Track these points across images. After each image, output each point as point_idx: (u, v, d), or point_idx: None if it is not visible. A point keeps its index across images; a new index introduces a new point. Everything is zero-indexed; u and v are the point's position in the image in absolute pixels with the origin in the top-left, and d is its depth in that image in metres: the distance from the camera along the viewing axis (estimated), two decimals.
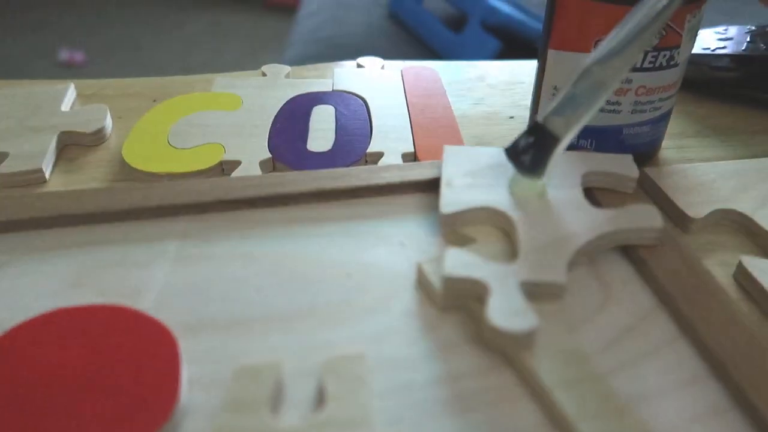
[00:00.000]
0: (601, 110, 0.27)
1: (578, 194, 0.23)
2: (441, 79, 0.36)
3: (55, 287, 0.21)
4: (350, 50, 0.89)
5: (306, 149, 0.29)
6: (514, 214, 0.22)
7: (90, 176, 0.28)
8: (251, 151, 0.28)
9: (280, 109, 0.32)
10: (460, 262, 0.20)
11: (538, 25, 0.80)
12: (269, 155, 0.28)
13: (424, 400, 0.17)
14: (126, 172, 0.28)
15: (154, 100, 0.34)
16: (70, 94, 0.34)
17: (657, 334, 0.19)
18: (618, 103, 0.26)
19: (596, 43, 0.25)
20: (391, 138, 0.30)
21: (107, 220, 0.24)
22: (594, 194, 0.25)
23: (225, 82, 0.35)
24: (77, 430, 0.15)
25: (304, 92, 0.34)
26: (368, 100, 0.33)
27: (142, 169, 0.27)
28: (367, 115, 0.32)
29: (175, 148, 0.29)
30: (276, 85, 0.35)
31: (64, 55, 1.89)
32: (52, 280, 0.21)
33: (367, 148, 0.29)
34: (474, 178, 0.24)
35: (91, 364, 0.17)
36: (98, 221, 0.23)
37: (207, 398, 0.17)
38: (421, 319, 0.20)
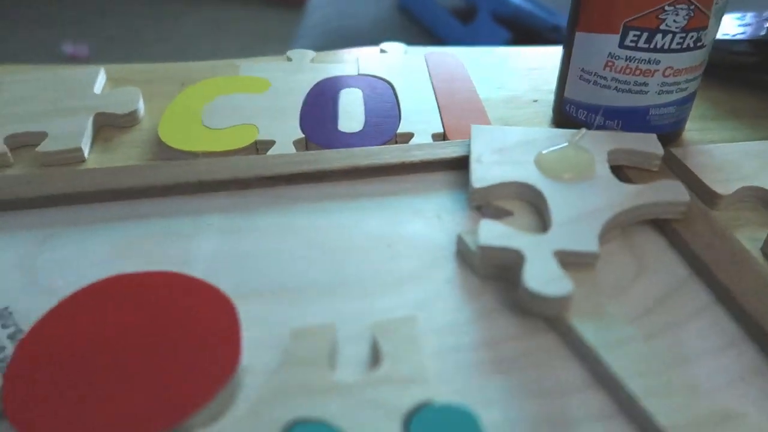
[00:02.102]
0: (629, 91, 0.27)
1: (606, 170, 0.24)
2: (464, 64, 0.36)
3: (104, 257, 0.22)
4: (359, 42, 0.90)
5: (337, 130, 0.29)
6: (544, 189, 0.23)
7: (126, 155, 0.29)
8: (284, 132, 0.29)
9: (309, 92, 0.33)
10: (495, 233, 0.20)
11: (547, 16, 0.80)
12: (302, 135, 0.29)
13: (471, 361, 0.18)
14: (161, 152, 0.29)
15: (182, 84, 0.35)
16: (100, 78, 0.34)
17: (693, 301, 0.20)
18: (645, 84, 0.27)
19: (624, 25, 0.26)
20: (419, 119, 0.30)
21: (151, 195, 0.24)
22: (621, 171, 0.25)
23: (251, 67, 0.35)
24: (147, 387, 0.16)
25: (330, 76, 0.34)
26: (394, 84, 0.33)
27: (179, 148, 0.28)
28: (394, 97, 0.32)
29: (210, 128, 0.29)
30: (302, 69, 0.35)
31: (67, 48, 1.89)
32: (100, 250, 0.22)
33: (397, 129, 0.29)
34: (502, 155, 0.25)
35: (153, 326, 0.18)
36: (142, 196, 0.24)
37: (264, 359, 0.18)
38: (462, 288, 0.20)
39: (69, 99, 0.32)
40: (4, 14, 1.81)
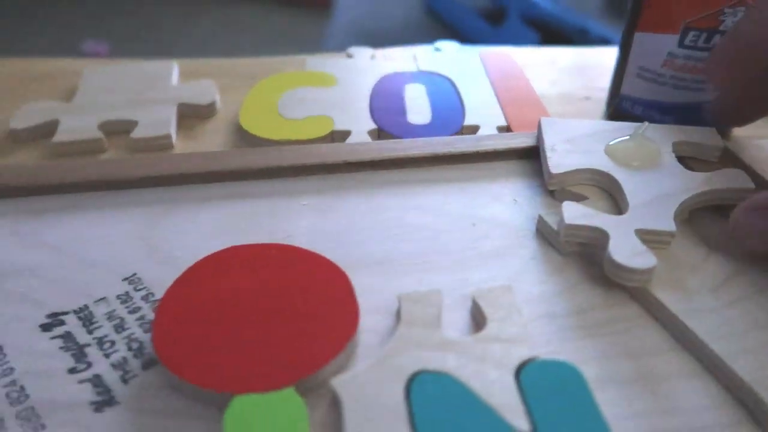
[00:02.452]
0: (686, 88, 0.29)
1: (672, 159, 0.26)
2: (517, 62, 0.38)
3: (212, 232, 0.24)
4: (387, 43, 0.92)
5: (407, 122, 0.31)
6: (617, 175, 0.24)
7: (209, 143, 0.31)
8: (358, 123, 0.31)
9: (374, 86, 0.35)
10: (578, 213, 0.22)
11: (575, 19, 0.82)
12: (375, 126, 0.31)
13: (563, 326, 0.20)
14: (241, 141, 0.31)
15: (253, 78, 0.37)
16: (175, 71, 0.36)
17: (764, 276, 0.21)
18: (702, 81, 0.29)
19: (684, 26, 0.28)
20: (482, 113, 0.32)
21: (245, 178, 0.26)
22: (684, 162, 0.27)
23: (316, 63, 0.37)
24: (281, 341, 0.18)
25: (393, 72, 0.36)
26: (453, 80, 0.35)
27: (262, 137, 0.30)
28: (455, 92, 0.34)
29: (287, 118, 0.31)
30: (364, 65, 0.37)
31: (87, 47, 1.92)
32: (208, 225, 0.24)
33: (463, 122, 0.31)
34: (573, 144, 0.26)
35: (277, 290, 0.20)
36: (238, 178, 0.26)
37: (374, 321, 0.20)
38: (546, 263, 0.22)
39: (151, 90, 0.34)
40: (27, 13, 1.84)
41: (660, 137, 0.27)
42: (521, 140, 0.28)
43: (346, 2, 1.05)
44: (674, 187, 0.24)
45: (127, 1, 2.02)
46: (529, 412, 0.16)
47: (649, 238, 0.22)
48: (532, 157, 0.28)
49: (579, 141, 0.27)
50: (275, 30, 1.88)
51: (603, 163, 0.25)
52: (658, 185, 0.24)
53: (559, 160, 0.25)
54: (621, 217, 0.22)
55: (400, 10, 0.96)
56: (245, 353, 0.18)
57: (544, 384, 0.17)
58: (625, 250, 0.21)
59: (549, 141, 0.27)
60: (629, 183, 0.24)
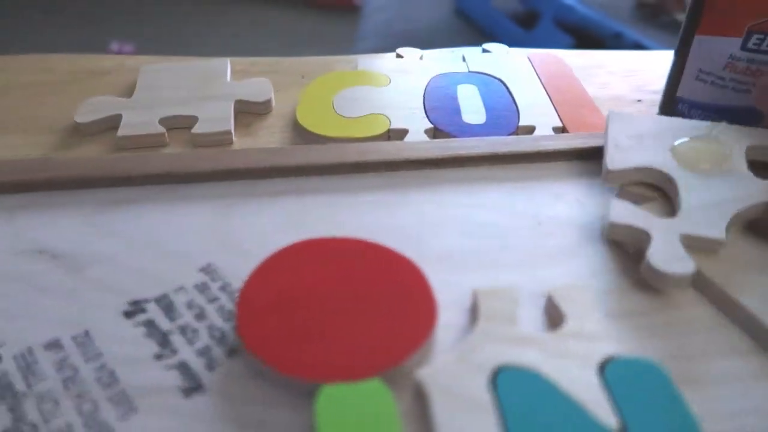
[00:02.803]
0: (746, 91, 0.29)
1: (743, 164, 0.25)
2: (568, 65, 0.38)
3: (282, 225, 0.24)
4: (420, 45, 0.92)
5: (463, 121, 0.32)
6: (677, 176, 0.24)
7: (266, 139, 0.32)
8: (414, 122, 0.31)
9: (426, 86, 0.35)
10: (625, 212, 0.22)
11: (610, 23, 0.82)
12: (431, 125, 0.31)
13: (637, 326, 0.20)
14: (297, 137, 0.31)
15: (302, 76, 0.38)
16: (228, 69, 0.37)
17: None
18: (753, 84, 0.28)
19: (748, 29, 0.27)
20: (536, 114, 0.32)
21: (308, 174, 0.27)
22: (755, 168, 0.27)
23: (367, 63, 0.38)
24: (363, 333, 0.18)
25: (444, 72, 0.36)
26: (505, 81, 0.35)
27: (319, 133, 0.30)
28: (508, 93, 0.34)
29: (343, 116, 0.32)
30: (415, 66, 0.37)
31: (114, 47, 1.95)
32: (277, 219, 0.24)
33: (518, 122, 0.31)
34: (638, 141, 0.26)
35: (352, 285, 0.20)
36: (302, 174, 0.26)
37: (448, 317, 0.20)
38: (614, 262, 0.22)
39: (208, 87, 0.34)
40: (56, 12, 1.87)
41: (736, 139, 0.27)
42: (582, 141, 0.28)
43: (375, 4, 1.05)
44: (736, 194, 0.24)
45: (151, 2, 2.05)
46: (617, 408, 0.16)
47: (694, 244, 0.22)
48: (592, 158, 0.28)
49: (645, 138, 0.27)
50: (299, 32, 1.89)
51: (664, 163, 0.25)
52: (718, 190, 0.24)
53: (620, 156, 0.25)
54: (669, 220, 0.22)
55: (429, 13, 0.96)
56: (330, 344, 0.18)
57: (630, 381, 0.17)
58: (665, 254, 0.21)
59: (613, 136, 0.27)
60: (687, 185, 0.24)
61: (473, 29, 0.92)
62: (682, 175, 0.25)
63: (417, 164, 0.27)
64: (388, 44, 0.92)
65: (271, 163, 0.26)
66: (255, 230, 0.24)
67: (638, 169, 0.25)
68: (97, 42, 1.95)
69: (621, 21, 0.86)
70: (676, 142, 0.26)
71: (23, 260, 0.22)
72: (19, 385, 0.18)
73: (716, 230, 0.22)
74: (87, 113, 0.32)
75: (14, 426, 0.16)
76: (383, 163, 0.27)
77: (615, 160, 0.25)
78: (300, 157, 0.26)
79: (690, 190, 0.24)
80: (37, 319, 0.20)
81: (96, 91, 0.36)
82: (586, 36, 0.77)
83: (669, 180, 0.25)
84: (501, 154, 0.27)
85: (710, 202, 0.23)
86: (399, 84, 0.35)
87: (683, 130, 0.27)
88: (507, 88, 0.35)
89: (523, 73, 0.37)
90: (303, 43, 1.93)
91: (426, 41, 0.92)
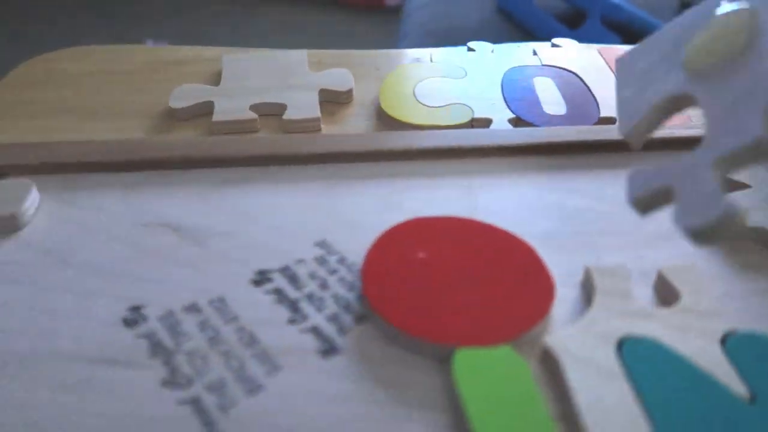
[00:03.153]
0: None
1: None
2: None
3: (384, 205, 0.25)
4: (463, 44, 0.93)
5: (545, 112, 0.32)
6: (695, 89, 0.18)
7: (353, 126, 0.33)
8: (496, 111, 0.32)
9: (503, 78, 0.36)
10: (641, 182, 0.18)
11: (657, 22, 0.82)
12: (513, 115, 0.32)
13: (749, 305, 0.20)
14: (381, 125, 0.32)
15: (377, 68, 0.39)
16: (306, 60, 0.38)
17: None
18: None
19: None
20: (614, 106, 0.33)
21: (404, 158, 0.28)
22: None
23: (439, 56, 0.39)
24: (487, 304, 0.19)
25: (517, 65, 0.37)
26: (579, 74, 0.36)
27: (405, 121, 0.31)
28: (585, 86, 0.35)
29: (426, 105, 0.33)
30: (488, 59, 0.38)
31: (149, 45, 2.00)
32: (376, 200, 0.25)
33: (599, 113, 0.32)
34: (648, 76, 0.21)
35: (470, 259, 0.21)
36: (400, 158, 0.28)
37: (563, 292, 0.21)
38: (721, 244, 0.23)
39: (291, 77, 0.36)
40: (90, 11, 1.92)
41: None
42: (670, 131, 0.29)
43: (416, 3, 1.06)
44: (764, 72, 0.16)
45: (182, 2, 2.09)
46: (744, 379, 0.17)
47: (731, 166, 0.16)
48: (682, 148, 0.28)
49: (655, 68, 0.21)
50: (329, 31, 1.91)
51: (678, 85, 0.19)
52: (741, 80, 0.17)
53: (628, 109, 0.20)
54: (692, 153, 0.17)
55: (471, 12, 0.97)
56: (458, 311, 0.19)
57: (753, 355, 0.17)
58: (695, 202, 0.16)
59: (620, 86, 0.22)
60: (708, 92, 0.18)
61: (516, 28, 0.93)
62: (700, 87, 0.18)
63: (509, 151, 0.28)
64: (430, 42, 0.93)
65: (370, 147, 0.27)
66: (359, 209, 0.25)
67: (652, 111, 0.20)
68: (131, 40, 2.00)
69: (665, 20, 0.86)
70: (685, 50, 0.20)
71: (148, 232, 0.23)
72: (168, 342, 0.19)
73: (749, 131, 0.15)
74: (180, 99, 0.33)
75: (171, 378, 0.18)
76: (476, 149, 0.28)
77: (624, 119, 0.21)
78: (397, 142, 0.27)
79: (711, 97, 0.18)
80: (172, 284, 0.21)
81: (179, 79, 0.37)
82: (634, 34, 0.77)
83: (689, 99, 0.19)
84: (591, 141, 0.28)
85: (735, 99, 0.17)
86: (475, 76, 0.36)
87: (691, 27, 0.20)
88: (583, 81, 0.36)
89: (595, 68, 0.37)
90: (334, 43, 1.95)
91: (468, 40, 0.93)
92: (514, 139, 0.28)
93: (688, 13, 0.21)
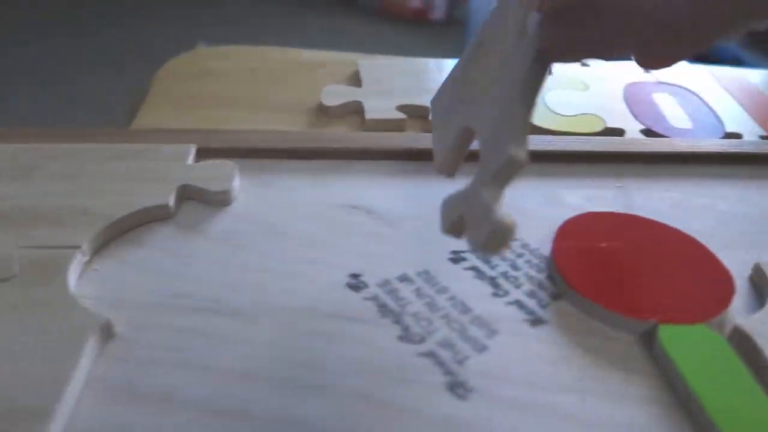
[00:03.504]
0: None
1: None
2: (751, 80, 0.41)
3: (544, 200, 0.28)
4: None
5: (672, 126, 0.35)
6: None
7: None
8: (627, 122, 0.35)
9: (625, 92, 0.38)
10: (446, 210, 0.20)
11: (729, 49, 0.83)
12: (643, 126, 0.34)
13: None
14: None
15: None
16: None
17: None
18: None
19: None
20: (737, 122, 0.35)
21: (558, 160, 0.30)
22: None
23: (558, 68, 0.41)
24: (678, 286, 0.22)
25: (635, 81, 0.40)
26: (695, 91, 0.39)
27: (547, 128, 0.34)
28: (704, 103, 0.37)
29: (560, 114, 0.35)
30: (602, 73, 0.41)
31: (203, 46, 2.07)
32: (539, 194, 0.28)
33: (725, 129, 0.34)
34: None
35: (650, 249, 0.23)
36: (560, 161, 0.30)
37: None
38: None
39: (424, 81, 0.39)
40: (150, 15, 1.99)
41: None
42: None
43: (479, 16, 1.09)
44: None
45: (232, 8, 2.15)
46: None
47: (497, 184, 0.17)
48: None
49: (453, 104, 0.22)
50: (375, 41, 1.95)
51: (463, 116, 0.20)
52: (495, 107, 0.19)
53: (437, 144, 0.22)
54: (473, 178, 0.18)
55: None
56: (652, 291, 0.21)
57: None
58: (475, 222, 0.17)
59: (434, 125, 0.23)
60: (479, 121, 0.19)
61: None
62: (474, 118, 0.20)
63: (657, 158, 0.30)
64: None
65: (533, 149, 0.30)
66: (528, 201, 0.27)
67: (456, 141, 0.21)
68: (187, 42, 2.07)
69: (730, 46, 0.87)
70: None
71: (343, 213, 0.26)
72: (393, 306, 0.22)
73: (503, 153, 0.17)
74: (332, 98, 0.37)
75: (406, 335, 0.20)
76: (620, 155, 0.30)
77: (436, 156, 0.22)
78: (557, 146, 0.30)
79: (483, 128, 0.19)
80: (379, 257, 0.24)
81: (319, 80, 0.40)
82: (704, 59, 0.79)
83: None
84: (732, 153, 0.30)
85: (494, 125, 0.18)
86: (596, 89, 0.39)
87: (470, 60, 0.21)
88: (699, 97, 0.38)
89: (707, 85, 0.40)
90: (374, 51, 2.00)
91: None
92: (662, 148, 0.30)
93: (468, 49, 0.22)
